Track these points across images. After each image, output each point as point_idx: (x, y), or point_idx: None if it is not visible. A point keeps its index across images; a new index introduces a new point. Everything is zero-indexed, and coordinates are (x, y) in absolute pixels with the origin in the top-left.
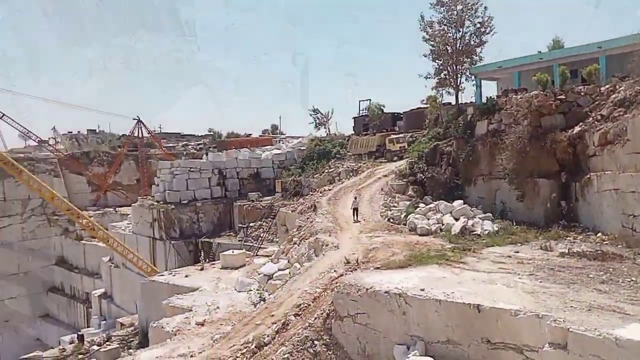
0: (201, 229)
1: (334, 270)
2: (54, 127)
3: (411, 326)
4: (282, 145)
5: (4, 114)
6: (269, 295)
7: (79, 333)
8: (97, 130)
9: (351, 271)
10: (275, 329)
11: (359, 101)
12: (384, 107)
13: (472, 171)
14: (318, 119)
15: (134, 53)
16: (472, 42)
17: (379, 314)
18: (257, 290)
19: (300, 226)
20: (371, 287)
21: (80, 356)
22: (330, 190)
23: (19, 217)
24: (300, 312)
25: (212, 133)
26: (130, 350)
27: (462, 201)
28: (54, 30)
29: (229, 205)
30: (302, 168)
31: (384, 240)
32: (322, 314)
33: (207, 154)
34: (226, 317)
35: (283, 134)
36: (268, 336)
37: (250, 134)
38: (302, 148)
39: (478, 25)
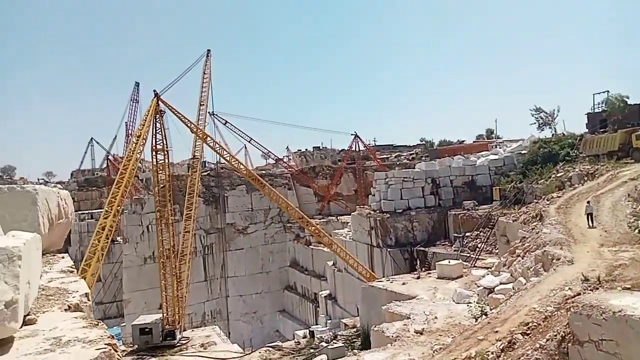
0: (415, 238)
1: (569, 288)
2: (287, 147)
3: None
4: (499, 150)
5: (251, 139)
6: (491, 309)
7: (310, 329)
8: (321, 147)
9: (591, 290)
10: (500, 347)
11: (593, 95)
12: (627, 98)
13: None
14: (541, 118)
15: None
16: None
17: (631, 343)
18: (477, 303)
19: (524, 237)
20: (620, 311)
21: (311, 350)
22: (559, 197)
23: (262, 224)
24: (528, 332)
25: (423, 142)
26: (355, 351)
27: None
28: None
29: (442, 214)
30: (523, 174)
31: (635, 255)
32: (555, 335)
33: (422, 162)
34: (445, 328)
35: (500, 138)
36: (492, 354)
37: (463, 141)
38: (522, 152)
39: None
